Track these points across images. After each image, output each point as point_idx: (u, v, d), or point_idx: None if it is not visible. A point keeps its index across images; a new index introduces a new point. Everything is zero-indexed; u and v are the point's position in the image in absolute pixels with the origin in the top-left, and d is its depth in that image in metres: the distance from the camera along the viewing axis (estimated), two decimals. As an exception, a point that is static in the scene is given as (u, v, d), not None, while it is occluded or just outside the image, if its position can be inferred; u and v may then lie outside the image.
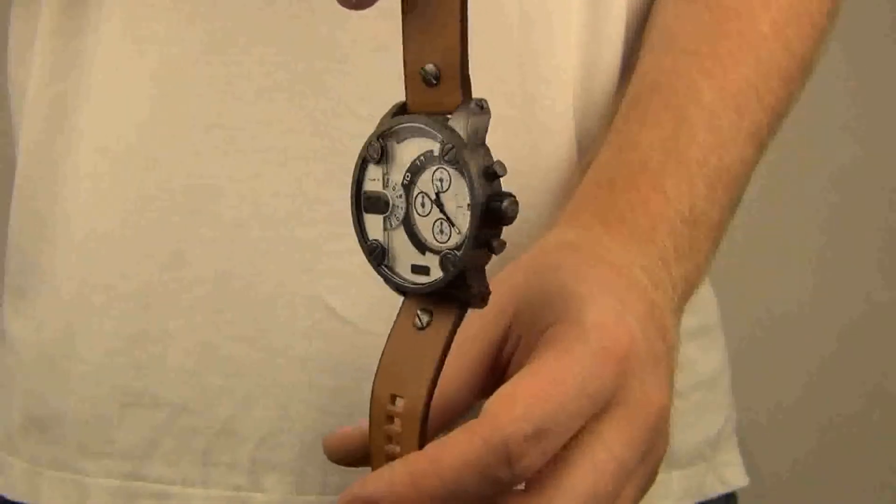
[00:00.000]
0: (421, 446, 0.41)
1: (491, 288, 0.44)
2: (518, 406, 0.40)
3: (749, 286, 1.40)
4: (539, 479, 0.41)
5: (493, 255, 0.39)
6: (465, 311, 0.40)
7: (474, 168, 0.39)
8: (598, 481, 0.41)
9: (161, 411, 0.54)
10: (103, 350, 0.55)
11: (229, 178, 0.53)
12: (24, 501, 0.57)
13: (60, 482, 0.56)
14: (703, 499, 0.61)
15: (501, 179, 0.40)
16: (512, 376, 0.43)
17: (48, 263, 0.57)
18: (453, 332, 0.40)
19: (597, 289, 0.44)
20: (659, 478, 0.58)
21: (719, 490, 0.62)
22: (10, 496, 0.58)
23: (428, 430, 0.41)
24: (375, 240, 0.42)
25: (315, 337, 0.53)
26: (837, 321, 1.48)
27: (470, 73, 0.53)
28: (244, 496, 0.54)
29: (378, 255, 0.42)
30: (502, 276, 0.47)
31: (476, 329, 0.45)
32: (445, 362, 0.42)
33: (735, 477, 0.62)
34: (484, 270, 0.40)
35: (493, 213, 0.39)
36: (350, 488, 0.40)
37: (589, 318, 0.42)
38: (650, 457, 0.43)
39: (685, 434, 0.60)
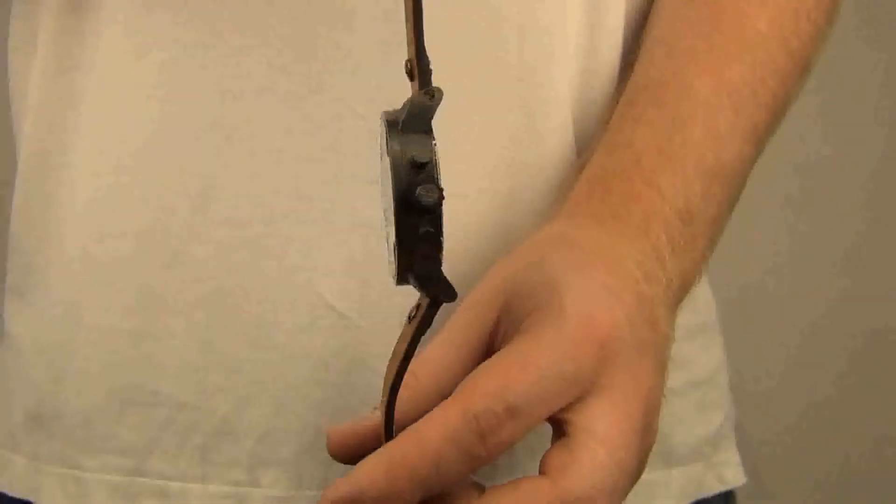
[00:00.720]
0: (387, 437, 0.42)
1: (484, 280, 0.45)
2: (489, 384, 0.41)
3: (725, 268, 1.40)
4: (546, 468, 0.42)
5: (433, 246, 0.39)
6: (434, 304, 0.40)
7: (395, 158, 0.39)
8: (608, 473, 0.41)
9: (161, 408, 0.54)
10: (103, 347, 0.55)
11: (228, 177, 0.53)
12: (26, 498, 0.57)
13: (61, 478, 0.56)
14: (701, 497, 0.61)
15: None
16: None
17: (49, 262, 0.57)
18: (420, 325, 0.41)
19: (582, 278, 0.44)
20: (658, 476, 0.59)
21: (718, 488, 0.62)
22: (11, 493, 0.58)
23: (393, 421, 0.42)
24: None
25: (314, 333, 0.53)
26: (814, 305, 1.49)
27: (470, 78, 0.53)
28: (243, 492, 0.54)
29: (388, 249, 0.43)
30: (495, 268, 0.47)
31: (468, 319, 0.46)
32: (439, 352, 0.43)
33: (734, 475, 0.62)
34: (434, 261, 0.39)
35: (409, 203, 0.39)
36: (331, 492, 0.41)
37: (570, 304, 0.43)
38: (642, 446, 0.44)
39: (684, 432, 0.60)
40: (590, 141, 0.56)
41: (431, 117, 0.39)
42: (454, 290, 0.40)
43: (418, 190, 0.38)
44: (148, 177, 0.54)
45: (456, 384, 0.45)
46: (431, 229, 0.39)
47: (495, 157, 0.54)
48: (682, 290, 0.50)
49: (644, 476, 0.57)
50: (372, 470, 0.41)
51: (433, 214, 0.39)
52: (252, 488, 0.54)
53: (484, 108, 0.54)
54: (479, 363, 0.45)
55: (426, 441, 0.40)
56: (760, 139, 0.54)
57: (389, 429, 0.42)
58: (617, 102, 0.55)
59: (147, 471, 0.55)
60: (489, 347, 0.46)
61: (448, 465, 0.40)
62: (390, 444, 0.41)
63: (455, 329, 0.46)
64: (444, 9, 0.53)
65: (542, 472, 0.42)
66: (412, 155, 0.39)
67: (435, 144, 0.39)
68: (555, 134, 0.55)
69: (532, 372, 0.41)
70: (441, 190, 0.38)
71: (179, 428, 0.54)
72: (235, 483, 0.54)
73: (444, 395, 0.45)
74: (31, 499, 0.57)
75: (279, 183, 0.53)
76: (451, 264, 0.46)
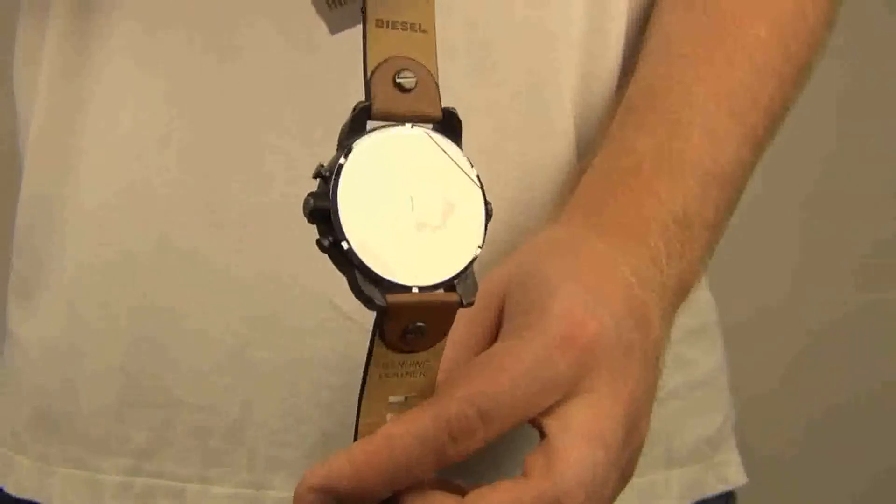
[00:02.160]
0: (355, 436, 0.43)
1: (485, 281, 0.46)
2: (463, 388, 0.41)
3: (729, 283, 1.40)
4: (527, 469, 0.42)
5: (336, 256, 0.40)
6: (375, 312, 0.40)
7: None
8: (586, 470, 0.42)
9: (170, 409, 0.55)
10: (112, 349, 0.55)
11: (237, 179, 0.54)
12: (34, 499, 0.57)
13: (73, 479, 0.56)
14: (702, 498, 0.61)
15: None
16: None
17: (54, 263, 0.57)
18: (371, 331, 0.41)
19: (571, 281, 0.45)
20: (659, 476, 0.59)
21: (718, 489, 0.62)
22: (18, 494, 0.58)
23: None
24: None
25: (321, 335, 0.53)
26: (814, 320, 1.49)
27: (481, 85, 0.54)
28: (253, 494, 0.55)
29: None
30: (497, 268, 0.48)
31: (472, 320, 0.46)
32: (451, 355, 0.44)
33: (734, 476, 0.63)
34: (348, 270, 0.40)
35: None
36: (305, 481, 0.42)
37: (555, 307, 0.44)
38: (628, 446, 0.44)
39: (685, 433, 0.60)
40: (590, 145, 0.56)
41: (345, 128, 0.41)
42: (374, 301, 0.39)
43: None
44: (156, 178, 0.54)
45: None
46: (326, 241, 0.39)
47: (506, 162, 0.54)
48: (679, 295, 0.50)
49: (644, 477, 0.58)
50: (343, 463, 0.41)
51: (327, 224, 0.39)
52: (260, 490, 0.54)
53: (495, 115, 0.54)
54: None
55: (395, 439, 0.41)
56: (759, 143, 0.55)
57: (357, 425, 0.43)
58: (617, 107, 0.56)
59: (156, 471, 0.55)
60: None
61: (416, 464, 0.41)
62: (365, 440, 0.42)
63: (462, 330, 0.46)
64: (453, 16, 0.53)
65: (523, 473, 0.42)
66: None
67: (342, 157, 0.40)
68: (558, 138, 0.55)
69: (505, 377, 0.42)
70: (311, 197, 0.39)
71: (188, 429, 0.55)
72: (244, 484, 0.54)
73: None
74: (39, 500, 0.57)
75: (287, 184, 0.53)
76: None
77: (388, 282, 0.39)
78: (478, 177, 0.42)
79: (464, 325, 0.46)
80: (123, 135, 0.55)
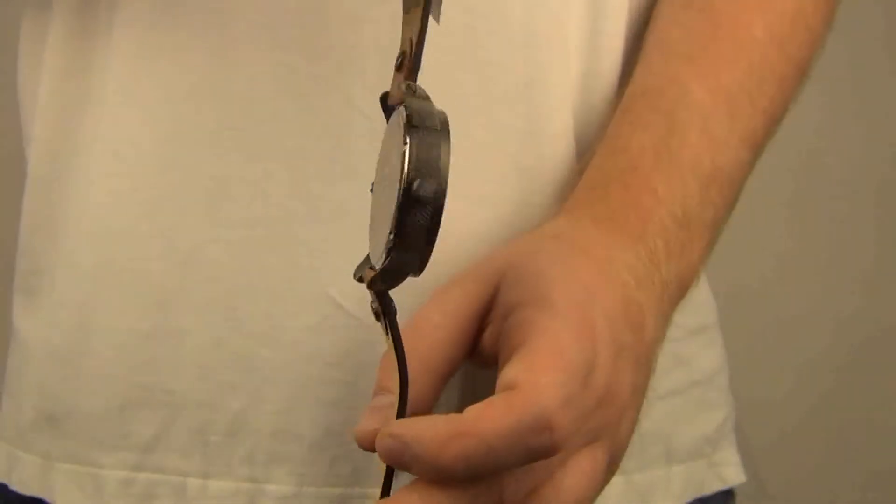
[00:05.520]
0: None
1: (486, 258, 0.48)
2: (545, 379, 0.41)
3: (754, 288, 1.41)
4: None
5: None
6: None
7: None
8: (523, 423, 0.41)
9: (174, 406, 0.55)
10: (117, 346, 0.55)
11: (240, 178, 0.54)
12: (39, 496, 0.58)
13: (75, 475, 0.56)
14: (702, 495, 0.61)
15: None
16: (488, 341, 0.46)
17: (58, 263, 0.57)
18: None
19: (567, 275, 0.46)
20: (659, 474, 0.60)
21: (718, 487, 0.62)
22: (23, 491, 0.58)
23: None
24: None
25: (323, 332, 0.53)
26: (820, 323, 1.49)
27: (479, 83, 0.55)
28: (254, 488, 0.55)
29: None
30: (496, 251, 0.49)
31: (465, 295, 0.47)
32: (438, 320, 0.47)
33: (733, 474, 0.63)
34: None
35: None
36: (391, 427, 0.42)
37: (558, 298, 0.44)
38: (604, 439, 0.45)
39: (684, 431, 0.61)
40: (589, 145, 0.56)
41: None
42: None
43: None
44: (160, 178, 0.55)
45: (456, 353, 0.47)
46: None
47: (505, 161, 0.55)
48: (678, 294, 0.51)
49: (644, 474, 0.59)
50: (425, 432, 0.41)
51: None
52: (262, 484, 0.55)
53: (493, 114, 0.55)
54: (475, 335, 0.47)
55: (484, 429, 0.40)
56: (757, 144, 0.55)
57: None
58: (616, 108, 0.56)
59: (161, 467, 0.55)
60: (481, 322, 0.48)
61: (504, 457, 0.41)
62: (452, 416, 0.41)
63: (453, 299, 0.47)
64: (452, 16, 0.54)
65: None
66: None
67: None
68: (557, 138, 0.56)
69: (568, 361, 0.42)
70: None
71: (193, 425, 0.55)
72: (247, 479, 0.55)
73: (446, 364, 0.47)
74: (44, 497, 0.57)
75: (289, 184, 0.54)
76: (466, 266, 0.48)
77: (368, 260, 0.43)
78: (407, 165, 0.39)
79: (457, 295, 0.47)
80: (125, 134, 0.56)
